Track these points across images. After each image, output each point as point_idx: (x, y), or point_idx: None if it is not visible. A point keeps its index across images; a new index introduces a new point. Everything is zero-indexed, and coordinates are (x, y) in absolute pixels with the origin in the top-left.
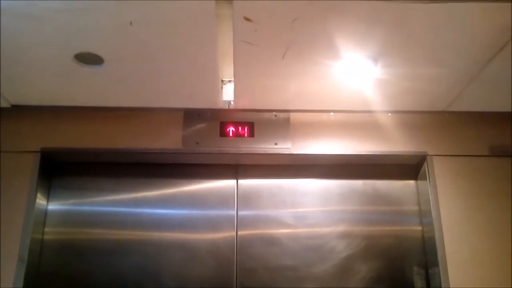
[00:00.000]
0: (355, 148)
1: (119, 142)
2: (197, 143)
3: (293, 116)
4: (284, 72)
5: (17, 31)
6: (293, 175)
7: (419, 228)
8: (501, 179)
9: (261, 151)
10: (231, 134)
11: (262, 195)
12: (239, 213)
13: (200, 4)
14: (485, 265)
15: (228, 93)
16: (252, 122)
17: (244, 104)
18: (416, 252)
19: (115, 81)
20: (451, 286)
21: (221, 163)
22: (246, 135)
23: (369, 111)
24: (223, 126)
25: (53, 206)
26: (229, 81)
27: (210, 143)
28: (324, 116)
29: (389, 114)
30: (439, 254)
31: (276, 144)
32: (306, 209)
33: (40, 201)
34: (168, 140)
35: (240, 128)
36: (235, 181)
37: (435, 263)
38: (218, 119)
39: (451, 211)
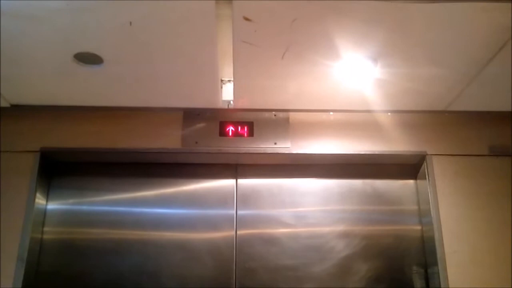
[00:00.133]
0: (355, 147)
1: (119, 142)
2: (196, 142)
3: (292, 115)
4: (283, 72)
5: (16, 31)
6: (293, 175)
7: (419, 227)
8: (501, 179)
9: (261, 150)
10: (230, 133)
11: (262, 195)
12: (239, 212)
13: (199, 4)
14: (484, 265)
15: (227, 93)
16: (251, 122)
17: (244, 104)
18: (416, 251)
19: (115, 81)
20: (450, 286)
21: (221, 163)
22: (245, 134)
23: (369, 111)
24: (222, 125)
25: (53, 205)
26: (229, 81)
27: (209, 142)
28: (324, 116)
29: (389, 113)
30: (439, 253)
31: (275, 143)
32: (305, 209)
33: (40, 200)
34: (167, 140)
35: (239, 128)
36: (234, 180)
37: (435, 263)
38: (217, 119)
39: (450, 210)
